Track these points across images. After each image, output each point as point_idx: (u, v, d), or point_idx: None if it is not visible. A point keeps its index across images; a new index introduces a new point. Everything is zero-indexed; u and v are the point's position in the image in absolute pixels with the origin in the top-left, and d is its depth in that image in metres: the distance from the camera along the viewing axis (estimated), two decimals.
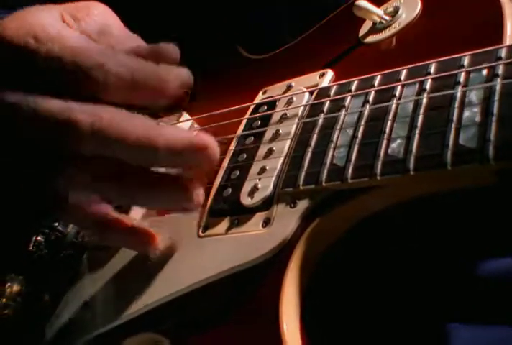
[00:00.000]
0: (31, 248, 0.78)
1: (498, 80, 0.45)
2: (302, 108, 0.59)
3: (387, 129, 0.49)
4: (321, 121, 0.55)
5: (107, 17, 0.60)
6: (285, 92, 0.64)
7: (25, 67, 0.53)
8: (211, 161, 0.52)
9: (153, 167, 0.55)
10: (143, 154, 0.51)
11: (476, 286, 0.53)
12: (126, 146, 0.51)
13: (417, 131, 0.47)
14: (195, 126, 0.74)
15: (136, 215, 0.69)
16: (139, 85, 0.53)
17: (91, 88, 0.52)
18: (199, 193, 0.54)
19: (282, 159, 0.56)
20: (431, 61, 0.51)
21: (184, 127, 0.72)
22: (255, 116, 0.64)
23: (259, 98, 0.68)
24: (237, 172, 0.61)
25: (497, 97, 0.44)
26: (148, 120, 0.53)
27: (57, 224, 0.79)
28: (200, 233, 0.60)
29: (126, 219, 0.59)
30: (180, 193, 0.54)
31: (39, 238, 0.79)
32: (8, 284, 0.77)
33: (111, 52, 0.54)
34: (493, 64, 0.46)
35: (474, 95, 0.46)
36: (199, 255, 0.58)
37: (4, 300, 0.76)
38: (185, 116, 0.75)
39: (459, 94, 0.47)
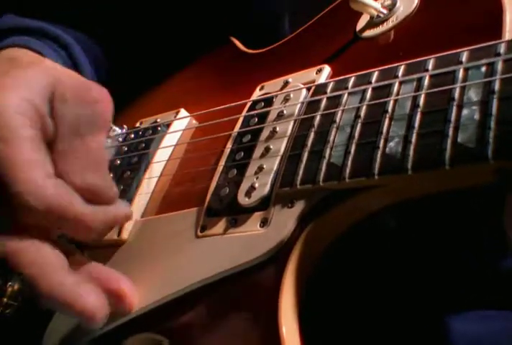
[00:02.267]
0: None
1: (497, 76, 0.44)
2: (299, 105, 0.58)
3: (385, 128, 0.48)
4: (318, 119, 0.55)
5: (95, 109, 0.54)
6: (282, 88, 0.63)
7: None
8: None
9: None
10: None
11: (474, 283, 0.53)
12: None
13: (415, 130, 0.46)
14: (193, 122, 0.73)
15: (134, 216, 0.68)
16: (55, 220, 0.51)
17: (16, 210, 0.51)
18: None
19: (279, 158, 0.56)
20: (429, 57, 0.50)
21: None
22: (252, 113, 0.63)
23: (257, 93, 0.67)
24: (234, 171, 0.60)
25: (496, 94, 0.43)
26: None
27: None
28: (199, 234, 0.59)
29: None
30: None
31: None
32: (10, 283, 0.77)
33: (42, 182, 0.51)
34: (492, 60, 0.45)
35: (472, 93, 0.45)
36: (197, 255, 0.58)
37: (6, 299, 0.76)
38: (183, 112, 0.74)
39: (457, 91, 0.46)
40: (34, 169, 0.51)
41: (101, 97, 0.54)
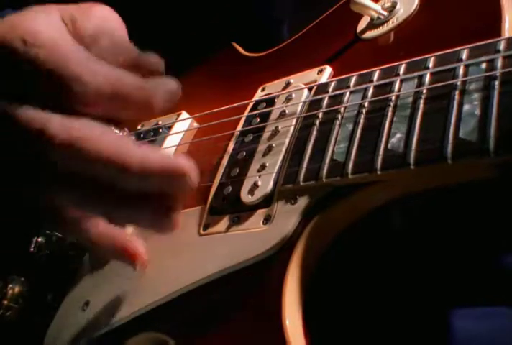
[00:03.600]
0: (32, 249, 0.78)
1: (497, 72, 0.45)
2: (301, 104, 0.59)
3: (387, 124, 0.49)
4: (320, 116, 0.55)
5: (107, 21, 0.57)
6: (283, 89, 0.64)
7: (10, 71, 0.52)
8: (188, 187, 0.50)
9: (128, 187, 0.51)
10: (115, 174, 0.49)
11: (477, 280, 0.53)
12: (98, 164, 0.49)
13: (417, 126, 0.47)
14: (195, 124, 0.73)
15: None
16: (121, 98, 0.51)
17: (70, 100, 0.51)
18: (175, 217, 0.52)
19: (281, 156, 0.56)
20: (430, 55, 0.51)
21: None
22: (254, 112, 0.64)
23: (258, 95, 0.67)
24: (237, 170, 0.60)
25: (496, 90, 0.44)
26: (124, 138, 0.51)
27: None
28: (201, 232, 0.59)
29: (118, 234, 0.58)
30: (157, 216, 0.52)
31: (40, 239, 0.79)
32: (10, 285, 0.77)
33: (93, 63, 0.52)
34: (492, 57, 0.46)
35: (473, 88, 0.46)
36: (200, 253, 0.58)
37: (6, 301, 0.76)
38: (184, 114, 0.75)
39: (458, 87, 0.46)
40: (86, 56, 0.52)
41: (105, 12, 0.58)
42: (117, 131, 0.78)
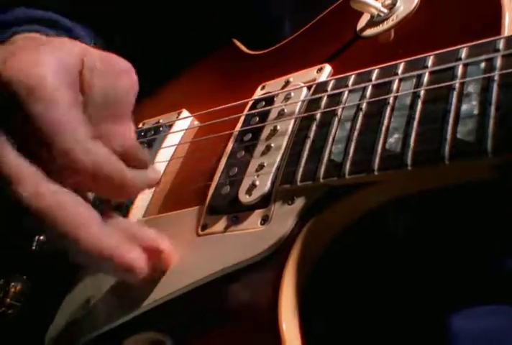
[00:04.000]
0: (34, 247, 0.78)
1: (496, 72, 0.44)
2: (300, 103, 0.58)
3: (385, 124, 0.48)
4: (318, 116, 0.55)
5: (122, 80, 0.55)
6: (283, 87, 0.64)
7: (7, 115, 0.51)
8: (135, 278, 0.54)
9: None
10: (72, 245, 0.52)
11: (477, 280, 0.53)
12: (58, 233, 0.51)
13: (414, 126, 0.46)
14: (196, 122, 0.73)
15: (136, 215, 0.68)
16: (99, 179, 0.52)
17: (51, 165, 0.51)
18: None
19: (279, 155, 0.56)
20: (429, 54, 0.50)
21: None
22: (253, 111, 0.63)
23: (258, 93, 0.67)
24: (235, 169, 0.60)
25: (495, 90, 0.43)
26: (88, 215, 0.52)
27: None
28: (200, 232, 0.59)
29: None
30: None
31: (42, 237, 0.79)
32: (12, 284, 0.77)
33: (85, 141, 0.51)
34: (491, 56, 0.45)
35: (472, 88, 0.45)
36: (199, 254, 0.58)
37: (8, 299, 0.77)
38: (185, 112, 0.75)
39: (456, 87, 0.46)
40: (80, 129, 0.51)
41: (127, 69, 0.56)
42: None
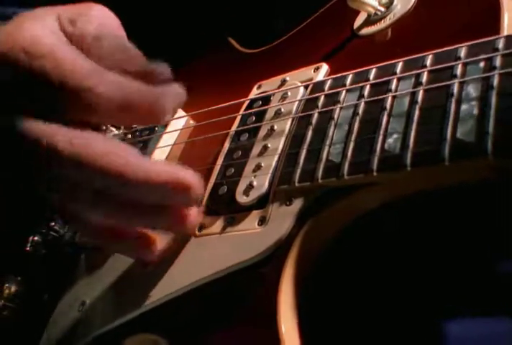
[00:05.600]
0: (28, 248, 0.77)
1: (496, 72, 0.44)
2: (297, 103, 0.58)
3: (383, 124, 0.48)
4: (315, 116, 0.54)
5: (105, 22, 0.56)
6: (279, 86, 0.63)
7: (16, 84, 0.51)
8: (193, 200, 0.52)
9: (134, 198, 0.52)
10: (122, 187, 0.50)
11: (472, 281, 0.53)
12: (106, 179, 0.50)
13: (413, 126, 0.46)
14: (191, 122, 0.73)
15: None
16: (131, 107, 0.51)
17: (81, 110, 0.51)
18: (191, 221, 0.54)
19: (277, 156, 0.55)
20: (427, 53, 0.50)
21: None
22: (249, 111, 0.63)
23: (254, 92, 0.67)
24: (232, 170, 0.60)
25: (495, 89, 0.43)
26: (129, 151, 0.51)
27: (53, 224, 0.79)
28: (196, 233, 0.59)
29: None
30: (173, 222, 0.53)
31: (36, 238, 0.78)
32: (6, 285, 0.77)
33: (102, 73, 0.51)
34: (490, 55, 0.45)
35: (471, 88, 0.45)
36: (196, 255, 0.57)
37: (2, 301, 0.76)
38: (180, 112, 0.74)
39: (456, 87, 0.45)
40: (92, 66, 0.51)
41: (103, 13, 0.57)
42: (113, 128, 0.78)
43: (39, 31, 0.52)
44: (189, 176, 0.50)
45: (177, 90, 0.54)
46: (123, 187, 0.50)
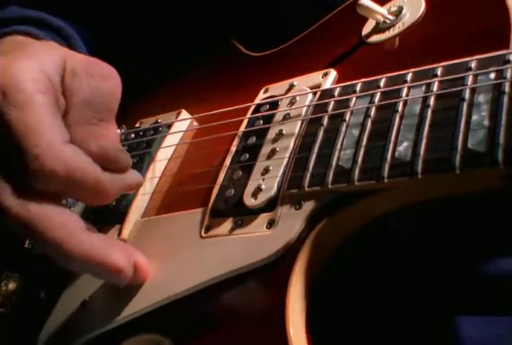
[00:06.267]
0: (26, 245, 0.77)
1: (507, 82, 0.45)
2: (306, 108, 0.58)
3: (394, 131, 0.49)
4: (325, 121, 0.55)
5: (104, 86, 0.56)
6: (287, 91, 0.64)
7: None
8: (122, 282, 0.57)
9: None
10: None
11: (479, 285, 0.54)
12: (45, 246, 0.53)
13: (424, 134, 0.47)
14: (195, 123, 0.73)
15: (135, 215, 0.68)
16: (75, 185, 0.52)
17: (29, 174, 0.51)
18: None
19: (286, 159, 0.56)
20: (438, 65, 0.50)
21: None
22: (257, 114, 0.63)
23: (261, 96, 0.67)
24: (240, 172, 0.60)
25: (505, 100, 0.44)
26: (73, 225, 0.53)
27: None
28: (203, 234, 0.59)
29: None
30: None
31: None
32: (4, 282, 0.76)
33: (58, 146, 0.51)
34: (501, 67, 0.46)
35: (482, 98, 0.46)
36: (202, 256, 0.58)
37: (0, 298, 0.76)
38: (184, 113, 0.74)
39: (467, 97, 0.46)
40: (53, 134, 0.52)
41: (110, 72, 0.57)
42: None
43: (26, 75, 0.52)
44: (121, 262, 0.54)
45: (129, 180, 0.57)
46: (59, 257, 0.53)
